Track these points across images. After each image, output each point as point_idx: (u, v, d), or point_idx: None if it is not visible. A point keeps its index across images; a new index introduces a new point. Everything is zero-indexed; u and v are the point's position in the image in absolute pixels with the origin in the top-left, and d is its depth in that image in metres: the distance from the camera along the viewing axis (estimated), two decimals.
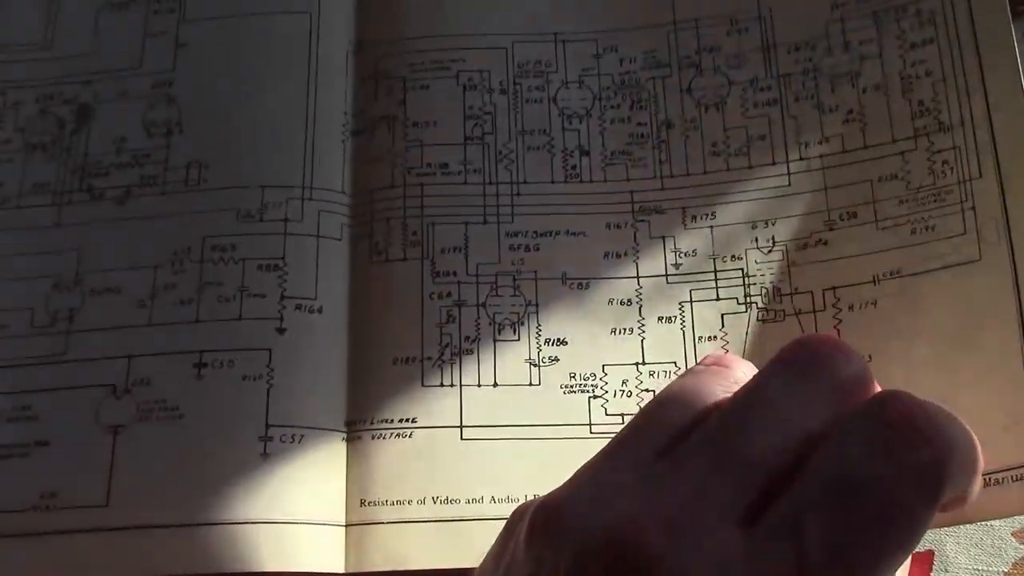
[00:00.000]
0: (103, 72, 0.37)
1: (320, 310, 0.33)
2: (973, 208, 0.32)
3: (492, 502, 0.31)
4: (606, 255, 0.35)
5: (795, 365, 0.24)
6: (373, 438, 0.32)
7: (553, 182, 0.36)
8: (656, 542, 0.21)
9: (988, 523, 0.36)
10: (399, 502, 0.31)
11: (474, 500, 0.31)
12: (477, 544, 0.31)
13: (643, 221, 0.35)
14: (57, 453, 0.32)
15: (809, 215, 0.34)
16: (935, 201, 0.33)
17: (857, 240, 0.34)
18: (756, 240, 0.35)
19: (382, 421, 0.32)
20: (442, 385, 0.33)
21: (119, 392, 0.32)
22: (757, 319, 0.34)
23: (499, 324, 0.34)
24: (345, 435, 0.32)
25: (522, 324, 0.34)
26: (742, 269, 0.34)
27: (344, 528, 0.31)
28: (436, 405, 0.33)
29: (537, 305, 0.34)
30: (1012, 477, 0.30)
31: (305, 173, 0.35)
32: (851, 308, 0.33)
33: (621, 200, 0.36)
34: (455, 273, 0.34)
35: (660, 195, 0.36)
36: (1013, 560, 0.36)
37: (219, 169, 0.35)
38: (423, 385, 0.33)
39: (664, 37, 0.37)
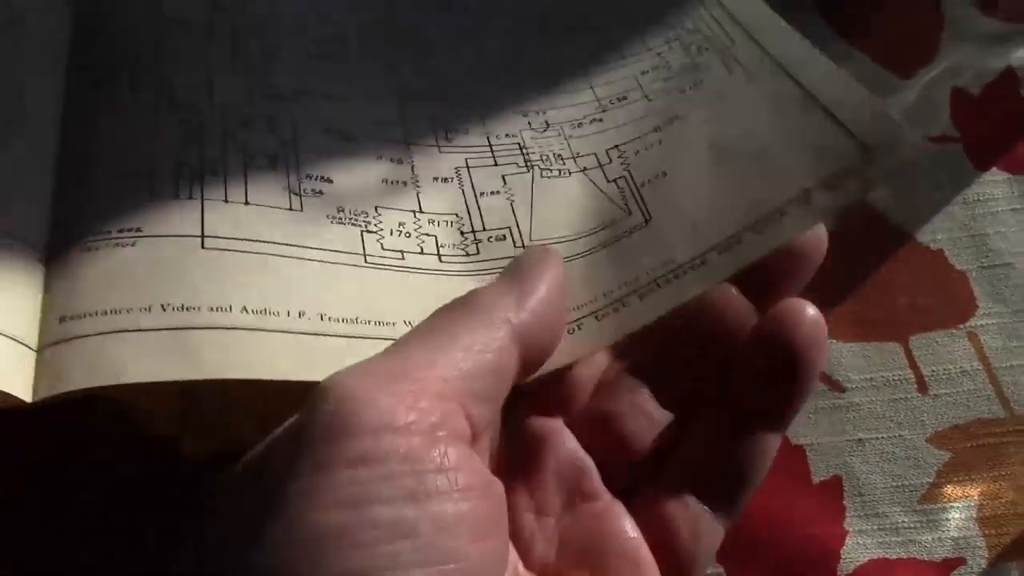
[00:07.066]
0: None
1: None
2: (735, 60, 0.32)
3: (244, 312, 0.24)
4: (375, 122, 0.32)
5: None
6: (85, 250, 0.25)
7: (309, 57, 0.33)
8: None
9: (896, 433, 0.33)
10: (115, 311, 0.23)
11: (220, 308, 0.24)
12: (221, 354, 0.23)
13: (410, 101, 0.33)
14: None
15: (580, 105, 0.34)
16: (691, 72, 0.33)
17: (631, 112, 0.33)
18: (529, 123, 0.33)
19: (99, 233, 0.25)
20: (178, 198, 0.26)
21: None
22: (541, 176, 0.31)
23: (250, 153, 0.28)
24: (45, 245, 0.25)
25: (278, 159, 0.29)
26: (519, 143, 0.32)
27: (35, 353, 0.23)
28: (169, 216, 0.26)
29: (296, 144, 0.29)
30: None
31: None
32: (636, 153, 0.31)
33: (387, 85, 0.33)
34: (199, 106, 0.29)
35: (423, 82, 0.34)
36: (936, 468, 0.32)
37: None
38: (152, 195, 0.26)
39: None
